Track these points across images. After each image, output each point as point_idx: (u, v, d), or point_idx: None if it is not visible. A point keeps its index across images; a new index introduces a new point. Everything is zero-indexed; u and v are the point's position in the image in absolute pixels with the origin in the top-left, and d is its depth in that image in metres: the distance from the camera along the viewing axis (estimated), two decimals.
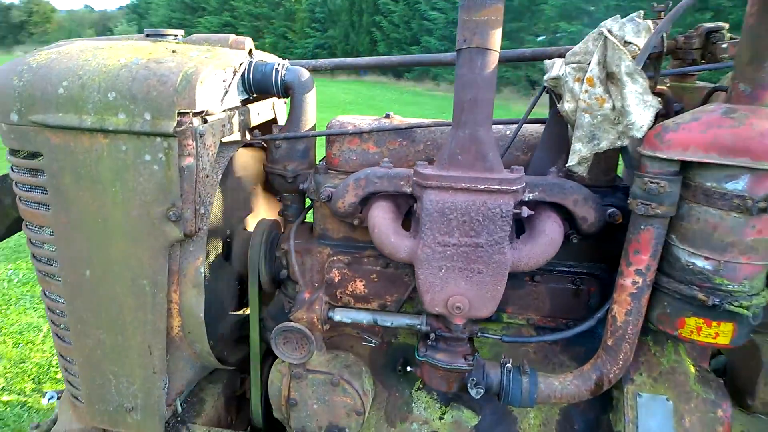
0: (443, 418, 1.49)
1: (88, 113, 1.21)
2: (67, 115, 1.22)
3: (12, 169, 1.35)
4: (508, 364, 1.32)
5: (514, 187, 1.17)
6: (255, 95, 1.53)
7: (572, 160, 1.24)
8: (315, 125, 1.53)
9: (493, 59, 1.14)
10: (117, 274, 1.31)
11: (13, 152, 1.32)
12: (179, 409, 1.52)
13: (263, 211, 1.82)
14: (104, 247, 1.30)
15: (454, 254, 1.21)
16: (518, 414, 1.48)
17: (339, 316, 1.40)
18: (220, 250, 1.56)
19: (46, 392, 1.68)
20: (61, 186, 1.28)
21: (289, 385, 1.42)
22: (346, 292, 1.48)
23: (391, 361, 1.54)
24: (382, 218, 1.28)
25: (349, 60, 1.69)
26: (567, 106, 1.22)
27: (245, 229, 1.69)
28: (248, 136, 1.49)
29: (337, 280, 1.47)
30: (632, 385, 1.33)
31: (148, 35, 1.52)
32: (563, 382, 1.31)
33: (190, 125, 1.21)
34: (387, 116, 1.52)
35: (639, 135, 1.16)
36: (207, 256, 1.48)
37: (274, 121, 1.67)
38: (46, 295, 1.43)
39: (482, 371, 1.32)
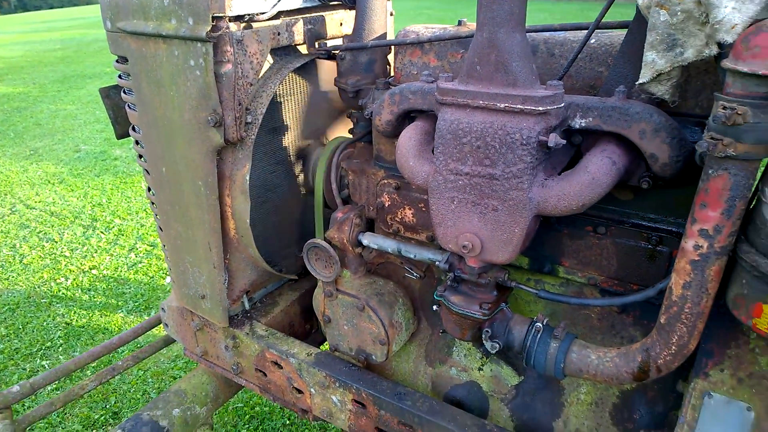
0: (482, 370, 1.34)
1: (151, 19, 1.30)
2: (138, 21, 1.33)
3: (118, 77, 1.53)
4: (538, 323, 1.11)
5: (542, 108, 0.93)
6: (331, 2, 1.47)
7: (645, 76, 0.93)
8: (385, 35, 1.41)
9: None
10: (181, 173, 1.43)
11: (118, 59, 1.50)
12: (246, 305, 1.64)
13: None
14: (171, 147, 1.42)
15: (467, 185, 1.03)
16: (567, 385, 1.25)
17: (367, 240, 1.32)
18: (294, 166, 1.59)
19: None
20: (140, 88, 1.42)
21: (325, 302, 1.42)
22: (396, 219, 1.39)
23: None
24: (408, 138, 1.15)
25: None
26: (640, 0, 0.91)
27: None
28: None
29: (387, 205, 1.39)
30: (704, 380, 1.01)
31: None
32: (602, 357, 1.05)
33: (227, 30, 1.22)
34: (459, 24, 1.33)
35: (730, 39, 0.80)
36: (280, 178, 1.53)
37: None
38: (147, 190, 1.64)
39: (505, 325, 1.14)
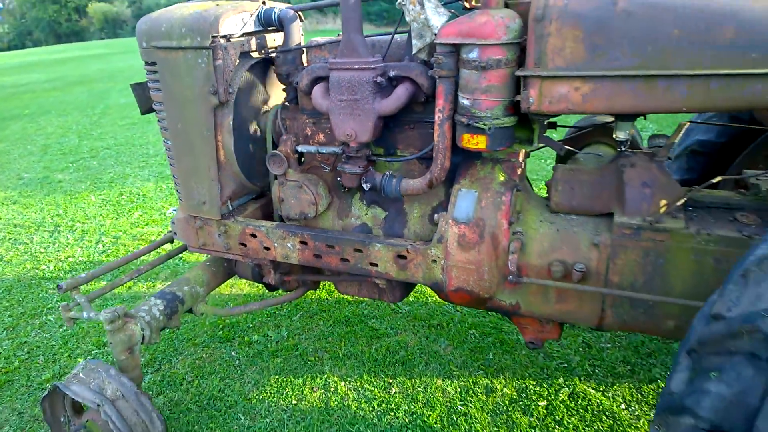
0: (367, 215, 2.54)
1: (174, 39, 2.42)
2: (165, 41, 2.44)
3: (146, 74, 2.62)
4: (387, 172, 2.33)
5: (372, 66, 2.16)
6: (270, 27, 2.64)
7: (414, 50, 2.19)
8: (300, 43, 2.61)
9: None
10: (191, 125, 2.54)
11: (146, 63, 2.59)
12: (230, 208, 2.74)
13: None
14: (185, 110, 2.53)
15: (345, 106, 2.24)
16: (408, 210, 2.47)
17: (300, 148, 2.50)
18: (254, 119, 2.72)
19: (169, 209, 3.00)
20: (164, 79, 2.52)
21: (279, 189, 2.57)
22: (315, 140, 2.57)
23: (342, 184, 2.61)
24: (317, 90, 2.35)
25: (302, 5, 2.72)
26: (407, 18, 2.16)
27: None
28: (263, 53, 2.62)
29: (309, 133, 2.57)
30: (458, 185, 2.26)
31: None
32: (415, 181, 2.28)
33: (219, 42, 2.37)
34: (339, 35, 2.54)
35: (436, 32, 2.07)
36: (248, 126, 2.65)
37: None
38: (165, 141, 2.72)
39: (372, 176, 2.35)
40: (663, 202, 1.97)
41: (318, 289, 4.02)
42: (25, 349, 3.59)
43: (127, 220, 5.72)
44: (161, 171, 7.42)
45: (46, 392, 2.48)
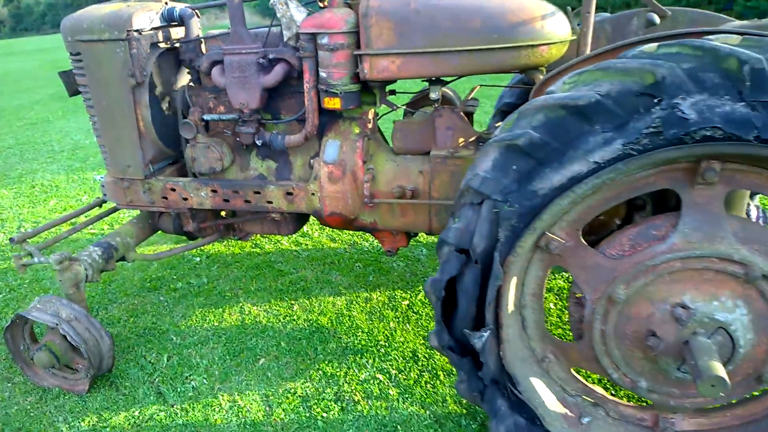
0: (262, 166, 3.31)
1: (96, 33, 3.05)
2: (88, 35, 3.07)
3: (71, 63, 3.22)
4: (274, 132, 3.11)
5: (255, 51, 2.92)
6: (172, 23, 3.33)
7: (285, 38, 2.97)
8: (199, 35, 3.31)
9: None
10: (114, 103, 3.19)
11: (71, 54, 3.19)
12: (152, 170, 3.41)
13: None
14: (107, 91, 3.17)
15: (238, 81, 2.99)
16: (293, 161, 3.27)
17: (206, 117, 3.23)
18: (166, 96, 3.40)
19: (96, 176, 3.58)
20: (88, 66, 3.15)
21: (191, 150, 3.28)
22: (217, 110, 3.30)
23: (241, 144, 3.35)
24: (216, 71, 3.08)
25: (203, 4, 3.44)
26: (278, 14, 2.94)
27: None
28: (170, 43, 3.30)
29: (212, 105, 3.30)
30: (326, 137, 3.09)
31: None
32: (295, 137, 3.08)
33: (132, 35, 3.03)
34: (228, 29, 3.27)
35: (299, 25, 2.86)
36: (162, 102, 3.33)
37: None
38: (90, 117, 3.34)
39: (263, 134, 3.13)
40: (461, 139, 2.89)
41: (231, 242, 4.74)
42: None
43: (44, 207, 6.09)
44: (70, 164, 7.72)
45: (9, 323, 3.06)
